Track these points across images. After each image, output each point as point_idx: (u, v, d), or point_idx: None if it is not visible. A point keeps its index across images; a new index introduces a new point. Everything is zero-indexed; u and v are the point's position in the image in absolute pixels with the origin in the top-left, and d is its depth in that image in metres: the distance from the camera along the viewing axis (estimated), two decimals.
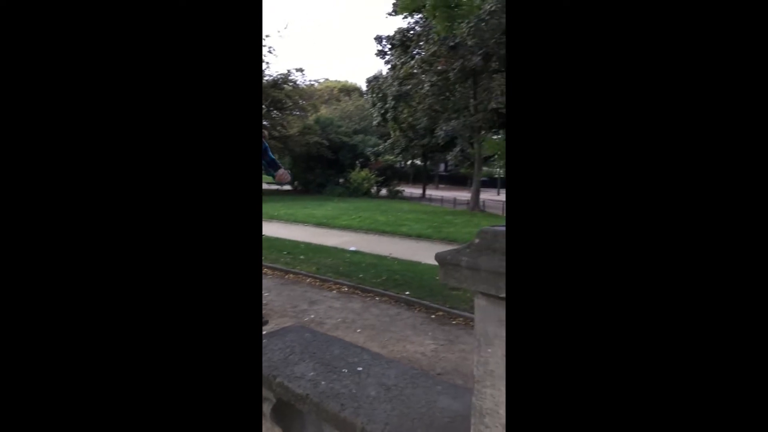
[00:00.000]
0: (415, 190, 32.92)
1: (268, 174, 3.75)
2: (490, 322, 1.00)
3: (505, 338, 0.95)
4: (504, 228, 0.98)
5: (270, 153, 3.82)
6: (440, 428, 1.36)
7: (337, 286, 7.06)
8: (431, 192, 32.69)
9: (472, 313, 4.22)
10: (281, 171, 3.76)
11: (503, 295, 0.92)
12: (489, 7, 15.08)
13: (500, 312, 0.97)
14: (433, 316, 5.35)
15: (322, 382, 1.62)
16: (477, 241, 1.00)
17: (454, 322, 5.14)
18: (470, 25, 15.58)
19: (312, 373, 1.69)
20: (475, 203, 20.63)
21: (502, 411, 1.00)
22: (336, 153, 29.51)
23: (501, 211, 18.56)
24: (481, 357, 1.03)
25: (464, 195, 26.59)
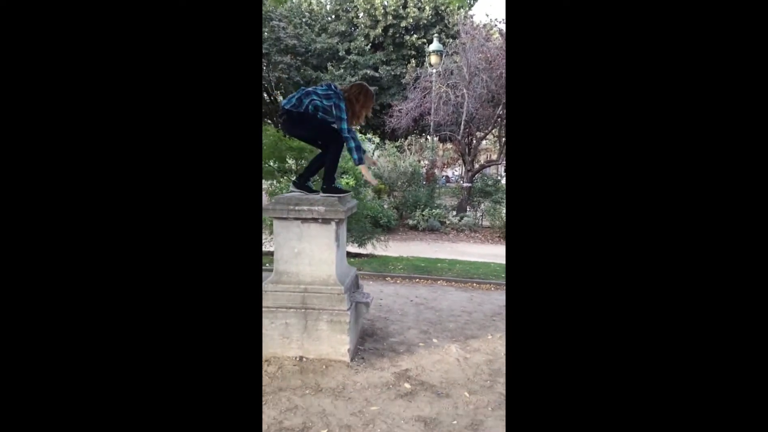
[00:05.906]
0: None
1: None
2: (279, 227, 2.78)
3: (281, 233, 2.74)
4: (286, 193, 2.77)
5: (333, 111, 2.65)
6: None
7: None
8: None
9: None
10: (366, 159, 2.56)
11: (284, 216, 2.70)
12: None
13: (284, 225, 2.75)
14: None
15: None
16: (273, 200, 2.78)
17: None
18: None
19: None
20: None
21: (282, 265, 2.74)
22: None
23: None
24: (276, 241, 2.78)
25: None
